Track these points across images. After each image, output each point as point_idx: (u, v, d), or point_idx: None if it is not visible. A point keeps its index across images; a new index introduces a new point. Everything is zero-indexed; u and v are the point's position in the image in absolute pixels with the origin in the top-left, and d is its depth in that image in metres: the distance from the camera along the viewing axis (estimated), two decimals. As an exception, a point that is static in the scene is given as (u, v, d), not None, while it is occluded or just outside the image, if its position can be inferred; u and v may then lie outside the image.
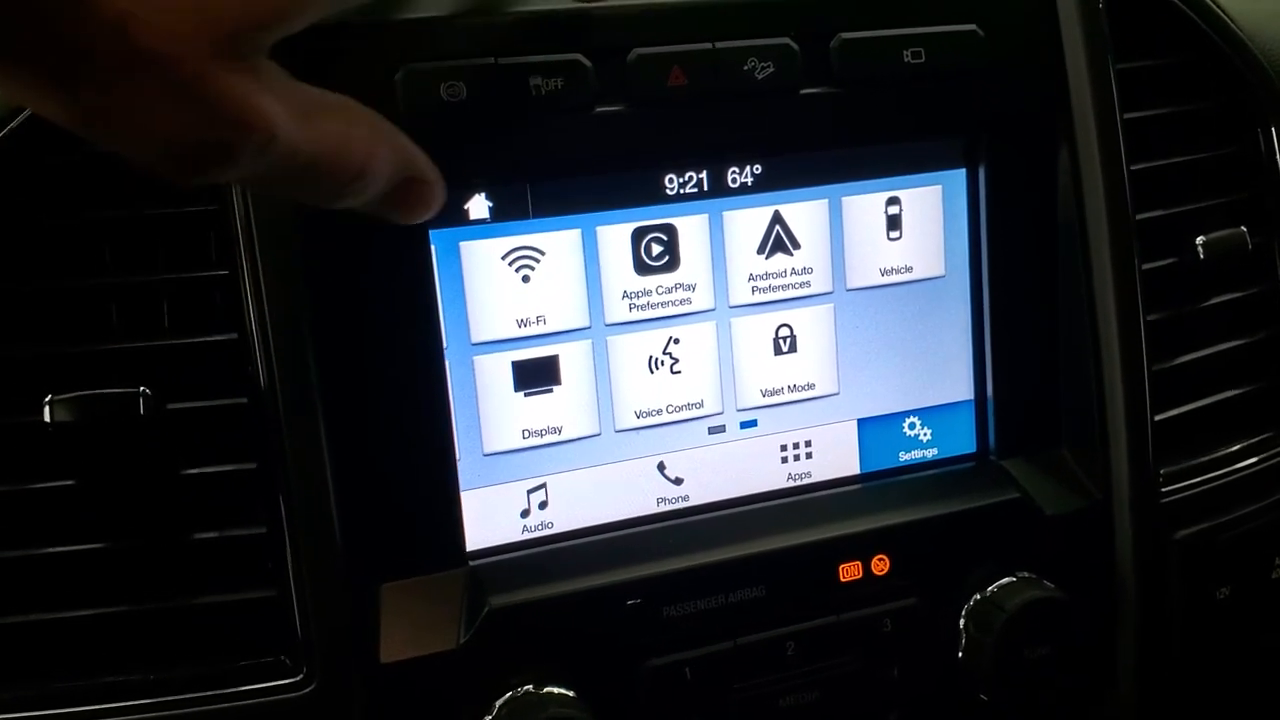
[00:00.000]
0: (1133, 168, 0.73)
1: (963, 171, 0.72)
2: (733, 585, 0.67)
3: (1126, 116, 0.73)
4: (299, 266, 0.59)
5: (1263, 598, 0.79)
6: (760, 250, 0.70)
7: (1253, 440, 0.79)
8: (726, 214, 0.69)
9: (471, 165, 0.62)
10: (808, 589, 0.68)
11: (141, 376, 0.59)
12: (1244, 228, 0.78)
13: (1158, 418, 0.74)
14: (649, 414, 0.69)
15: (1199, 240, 0.76)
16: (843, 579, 0.69)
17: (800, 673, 0.68)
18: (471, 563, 0.65)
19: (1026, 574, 0.71)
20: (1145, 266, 0.74)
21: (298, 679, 0.60)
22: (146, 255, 0.61)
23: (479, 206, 0.64)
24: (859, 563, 0.69)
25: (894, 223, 0.72)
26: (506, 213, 0.64)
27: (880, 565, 0.69)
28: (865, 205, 0.71)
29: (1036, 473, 0.74)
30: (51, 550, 0.60)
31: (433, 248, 0.63)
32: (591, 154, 0.64)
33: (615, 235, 0.67)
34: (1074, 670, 0.71)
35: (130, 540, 0.60)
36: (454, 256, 0.64)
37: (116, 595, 0.60)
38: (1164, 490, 0.75)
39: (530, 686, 0.63)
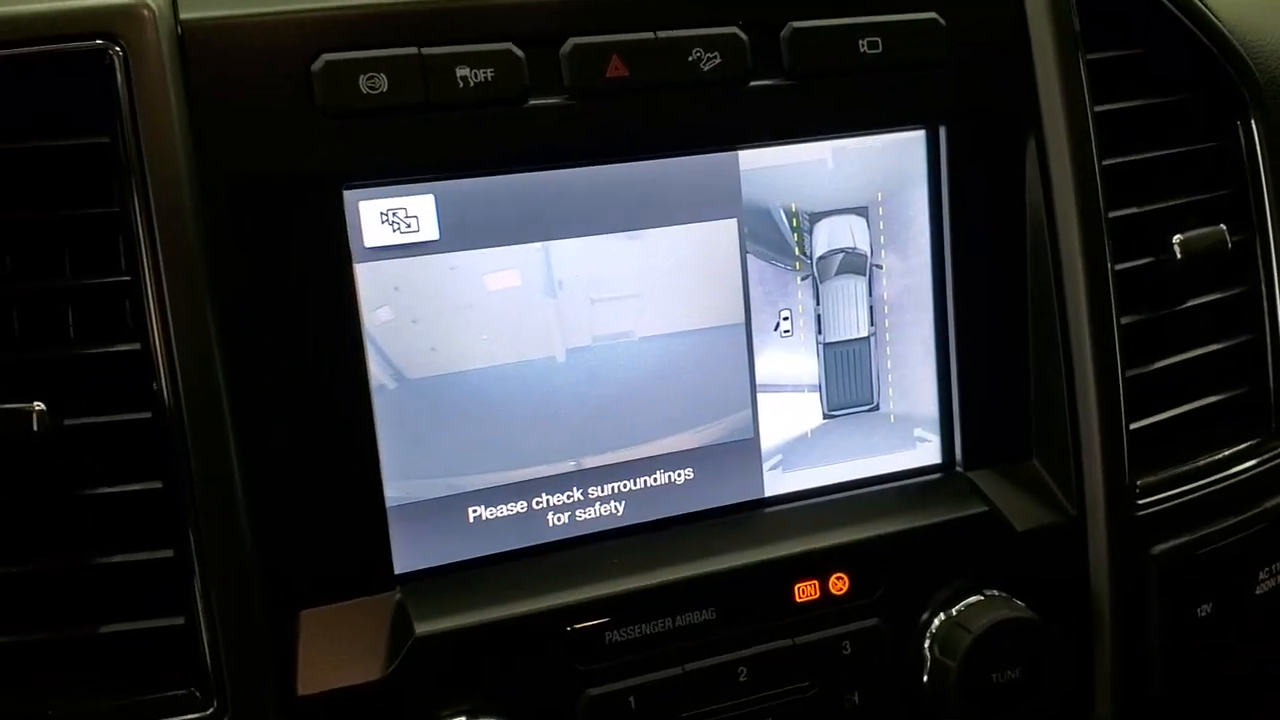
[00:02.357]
0: (1105, 163, 0.70)
1: (923, 169, 0.69)
2: (680, 607, 0.64)
3: (1098, 109, 0.70)
4: (206, 271, 0.56)
5: (1246, 615, 0.76)
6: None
7: (1234, 449, 0.77)
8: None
9: (395, 163, 0.59)
10: (761, 610, 0.65)
11: (39, 390, 0.55)
12: (1223, 226, 0.75)
13: (1133, 426, 0.71)
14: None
15: (1176, 239, 0.73)
16: (798, 599, 0.66)
17: (753, 700, 0.65)
18: (399, 586, 0.62)
19: (995, 592, 0.69)
20: (1119, 267, 0.71)
21: (208, 713, 0.56)
22: (46, 260, 0.57)
23: (428, 227, 0.61)
24: (816, 581, 0.66)
25: (852, 222, 0.69)
26: (451, 232, 0.61)
27: (839, 584, 0.67)
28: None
29: (1005, 485, 0.72)
30: (-57, 577, 0.56)
31: (352, 250, 0.60)
32: (524, 150, 0.61)
33: (568, 257, 0.63)
34: (1046, 695, 0.68)
35: (28, 565, 0.56)
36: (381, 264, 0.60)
37: (14, 623, 0.56)
38: (1140, 502, 0.72)
39: (461, 719, 0.59)
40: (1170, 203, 0.74)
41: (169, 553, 0.57)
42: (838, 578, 0.66)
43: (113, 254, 0.57)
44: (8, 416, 0.54)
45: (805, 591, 0.66)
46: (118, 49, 0.55)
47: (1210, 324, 0.77)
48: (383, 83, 0.57)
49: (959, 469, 0.72)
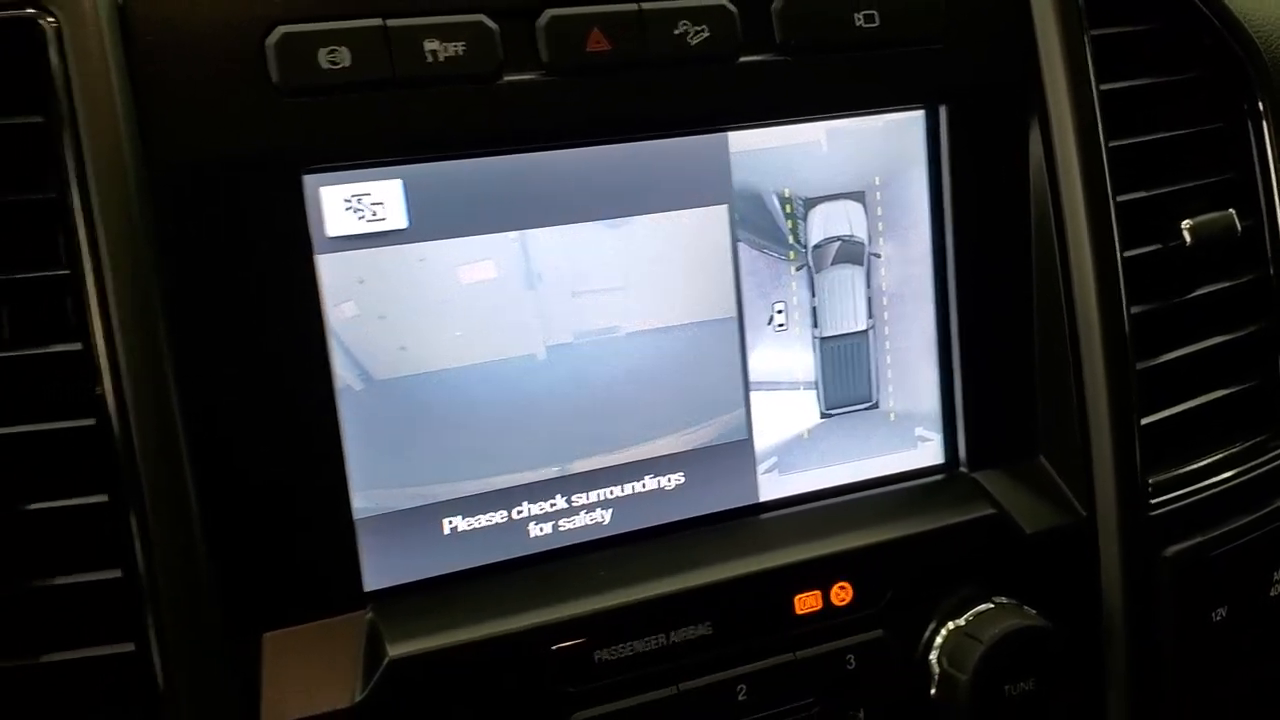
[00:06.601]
0: (1111, 144, 0.68)
1: (922, 151, 0.67)
2: (673, 623, 0.61)
3: (1103, 88, 0.68)
4: (153, 264, 0.52)
5: (1263, 618, 0.73)
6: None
7: (1247, 444, 0.74)
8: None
9: (358, 145, 0.55)
10: (760, 624, 0.62)
11: (-32, 396, 0.51)
12: (1232, 210, 0.73)
13: (1145, 421, 0.69)
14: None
15: (1185, 224, 0.71)
16: (799, 611, 0.63)
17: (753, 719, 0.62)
18: (371, 605, 0.58)
19: (1004, 600, 0.66)
20: (1127, 254, 0.68)
21: (162, 748, 0.53)
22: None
23: (395, 214, 0.57)
24: (818, 592, 0.63)
25: (849, 208, 0.66)
26: (420, 220, 0.58)
27: (841, 594, 0.64)
28: (816, 188, 0.65)
29: (1012, 485, 0.69)
30: None
31: (313, 240, 0.56)
32: (499, 131, 0.58)
33: (546, 247, 0.60)
34: (1060, 706, 0.66)
35: (-43, 589, 0.52)
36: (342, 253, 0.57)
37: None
38: (1153, 502, 0.69)
39: (439, 748, 0.56)
40: (1179, 186, 0.73)
41: (116, 573, 0.53)
42: (840, 587, 0.64)
43: (51, 246, 0.53)
44: (-65, 427, 0.50)
45: (806, 603, 0.63)
46: (51, 19, 0.51)
47: (1221, 313, 0.74)
48: (344, 57, 0.54)
49: (963, 469, 0.70)
